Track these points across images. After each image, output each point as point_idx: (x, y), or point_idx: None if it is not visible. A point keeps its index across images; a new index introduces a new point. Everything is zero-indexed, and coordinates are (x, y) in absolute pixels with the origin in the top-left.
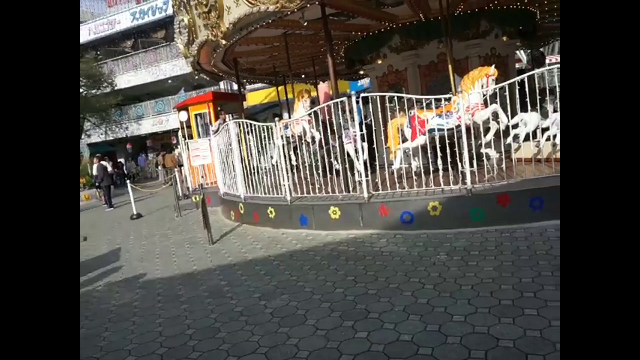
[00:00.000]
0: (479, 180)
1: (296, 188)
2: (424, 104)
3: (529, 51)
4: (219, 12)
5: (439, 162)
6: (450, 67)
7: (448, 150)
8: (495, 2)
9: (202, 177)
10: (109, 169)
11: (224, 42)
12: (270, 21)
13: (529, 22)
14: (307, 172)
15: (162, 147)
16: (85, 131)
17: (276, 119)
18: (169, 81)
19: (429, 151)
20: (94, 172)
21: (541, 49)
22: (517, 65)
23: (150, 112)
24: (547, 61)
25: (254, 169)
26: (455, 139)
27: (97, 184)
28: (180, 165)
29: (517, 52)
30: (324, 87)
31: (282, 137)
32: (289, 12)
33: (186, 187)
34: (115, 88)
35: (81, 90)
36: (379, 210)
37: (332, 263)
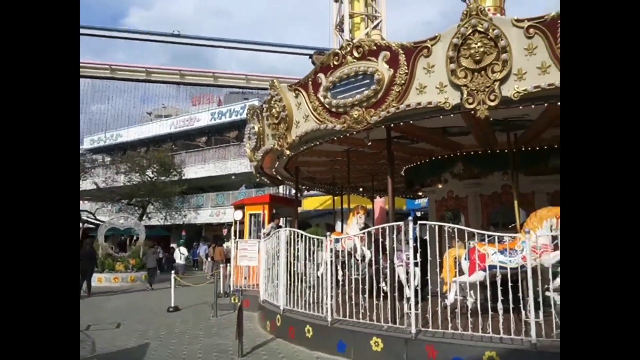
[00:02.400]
0: (546, 334)
1: (339, 308)
2: (486, 238)
3: None
4: (288, 125)
5: (499, 303)
6: (515, 201)
7: (510, 292)
8: None
9: (245, 278)
10: (160, 255)
11: (288, 152)
12: (335, 138)
13: None
14: (352, 292)
15: (214, 239)
16: (147, 213)
17: (328, 233)
18: (233, 177)
19: (488, 288)
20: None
21: None
22: None
23: (210, 203)
24: None
25: (298, 276)
26: (520, 281)
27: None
28: (228, 260)
29: None
30: (380, 202)
31: (331, 250)
32: (354, 132)
33: (227, 284)
34: (183, 177)
35: (151, 175)
36: (426, 350)
37: None
